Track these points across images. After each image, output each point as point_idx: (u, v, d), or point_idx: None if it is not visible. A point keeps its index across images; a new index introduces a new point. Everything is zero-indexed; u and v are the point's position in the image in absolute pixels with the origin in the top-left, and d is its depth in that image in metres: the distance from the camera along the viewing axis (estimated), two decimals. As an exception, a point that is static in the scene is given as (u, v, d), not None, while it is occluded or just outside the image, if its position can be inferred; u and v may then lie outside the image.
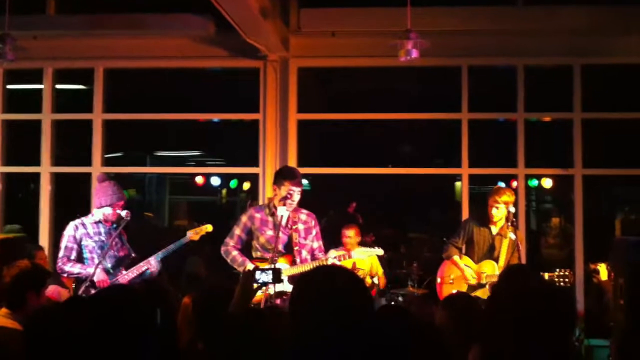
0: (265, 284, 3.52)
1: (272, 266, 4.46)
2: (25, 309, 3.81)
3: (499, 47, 7.28)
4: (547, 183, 9.86)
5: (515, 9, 7.24)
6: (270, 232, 5.20)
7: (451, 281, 6.01)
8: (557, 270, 5.55)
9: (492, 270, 5.85)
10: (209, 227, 5.57)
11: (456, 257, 6.03)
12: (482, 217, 6.07)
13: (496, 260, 5.89)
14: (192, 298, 3.46)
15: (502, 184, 8.65)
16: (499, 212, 5.87)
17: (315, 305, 2.19)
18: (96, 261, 5.17)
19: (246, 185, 11.42)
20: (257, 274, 3.43)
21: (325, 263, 5.03)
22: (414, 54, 5.29)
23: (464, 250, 6.19)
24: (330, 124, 8.30)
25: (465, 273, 5.93)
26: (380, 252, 5.49)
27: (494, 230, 5.98)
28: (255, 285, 3.39)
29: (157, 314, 2.72)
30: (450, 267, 6.12)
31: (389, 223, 10.51)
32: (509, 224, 5.83)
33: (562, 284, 5.37)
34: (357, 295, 2.24)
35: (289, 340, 2.33)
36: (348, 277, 2.32)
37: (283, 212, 5.10)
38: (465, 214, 7.30)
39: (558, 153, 7.75)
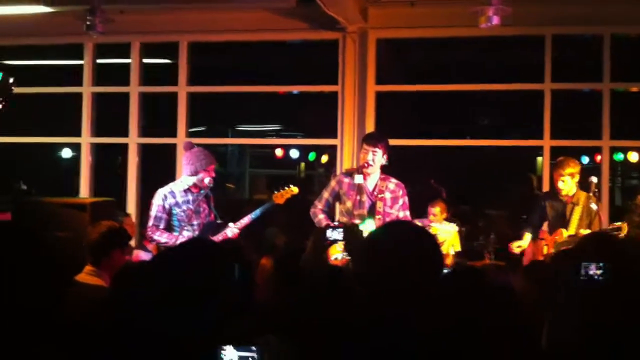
0: (335, 241, 3.59)
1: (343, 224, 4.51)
2: (109, 266, 3.89)
3: (585, 15, 7.04)
4: (633, 157, 9.51)
5: (602, -26, 6.99)
6: (357, 197, 5.18)
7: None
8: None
9: (562, 236, 5.73)
10: (294, 190, 5.36)
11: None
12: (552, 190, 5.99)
13: (565, 227, 5.77)
14: (271, 258, 3.59)
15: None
16: (565, 184, 5.75)
17: (383, 256, 2.23)
18: (185, 229, 5.11)
19: (324, 159, 11.53)
20: (328, 232, 3.51)
21: None
22: (495, 20, 5.21)
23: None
24: (408, 96, 8.24)
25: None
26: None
27: (564, 199, 5.88)
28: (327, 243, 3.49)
29: (236, 269, 2.84)
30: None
31: (466, 197, 10.37)
32: (591, 194, 5.68)
33: None
34: (427, 250, 2.27)
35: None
36: (418, 232, 2.36)
37: (360, 179, 5.11)
38: (546, 187, 7.16)
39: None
